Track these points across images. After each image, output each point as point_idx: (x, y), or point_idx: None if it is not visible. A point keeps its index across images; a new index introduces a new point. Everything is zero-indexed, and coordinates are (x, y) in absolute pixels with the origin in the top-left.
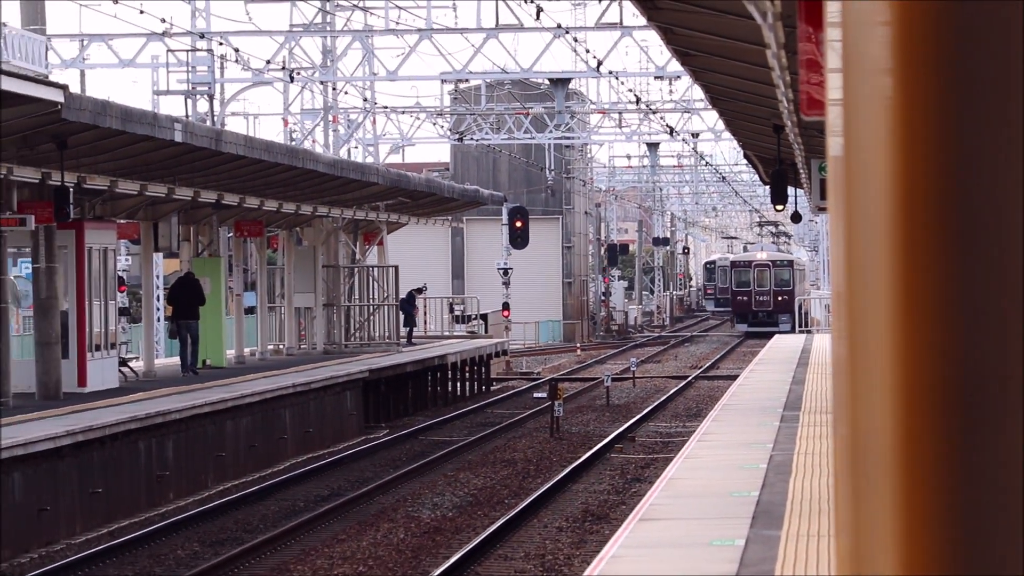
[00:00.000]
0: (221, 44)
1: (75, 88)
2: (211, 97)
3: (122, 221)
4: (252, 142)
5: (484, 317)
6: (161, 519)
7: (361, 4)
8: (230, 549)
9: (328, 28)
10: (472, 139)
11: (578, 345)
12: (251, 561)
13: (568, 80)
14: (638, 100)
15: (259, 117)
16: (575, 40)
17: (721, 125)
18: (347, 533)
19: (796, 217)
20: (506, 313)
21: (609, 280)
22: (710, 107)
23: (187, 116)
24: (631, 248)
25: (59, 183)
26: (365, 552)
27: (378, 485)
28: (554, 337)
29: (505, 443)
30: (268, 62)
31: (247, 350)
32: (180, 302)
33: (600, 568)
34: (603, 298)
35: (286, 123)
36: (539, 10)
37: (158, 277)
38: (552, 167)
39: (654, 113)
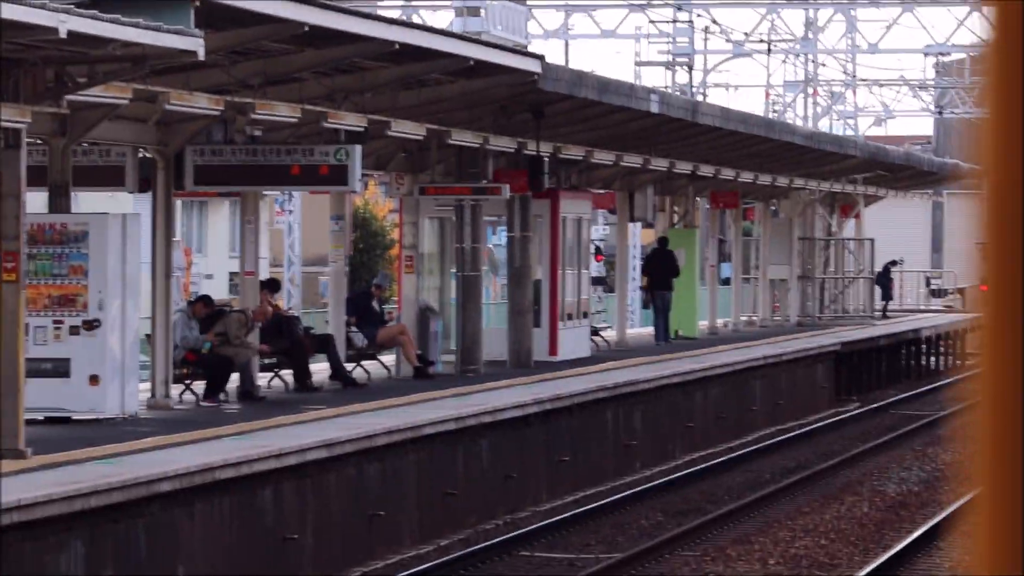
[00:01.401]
0: (700, 16)
1: (559, 58)
2: (691, 68)
3: (598, 191)
4: (728, 114)
5: (962, 291)
6: (627, 488)
7: None
8: (693, 520)
9: (810, 0)
10: (954, 112)
11: None
12: (713, 532)
13: None
14: None
15: (740, 89)
16: None
17: None
18: (811, 506)
19: None
20: (984, 287)
21: None
22: None
23: (667, 87)
24: None
25: (534, 152)
26: (828, 525)
27: (845, 458)
28: None
29: None
30: (748, 34)
31: (720, 321)
32: (655, 272)
33: None
34: None
35: (767, 95)
36: None
37: (634, 247)
38: None
39: None
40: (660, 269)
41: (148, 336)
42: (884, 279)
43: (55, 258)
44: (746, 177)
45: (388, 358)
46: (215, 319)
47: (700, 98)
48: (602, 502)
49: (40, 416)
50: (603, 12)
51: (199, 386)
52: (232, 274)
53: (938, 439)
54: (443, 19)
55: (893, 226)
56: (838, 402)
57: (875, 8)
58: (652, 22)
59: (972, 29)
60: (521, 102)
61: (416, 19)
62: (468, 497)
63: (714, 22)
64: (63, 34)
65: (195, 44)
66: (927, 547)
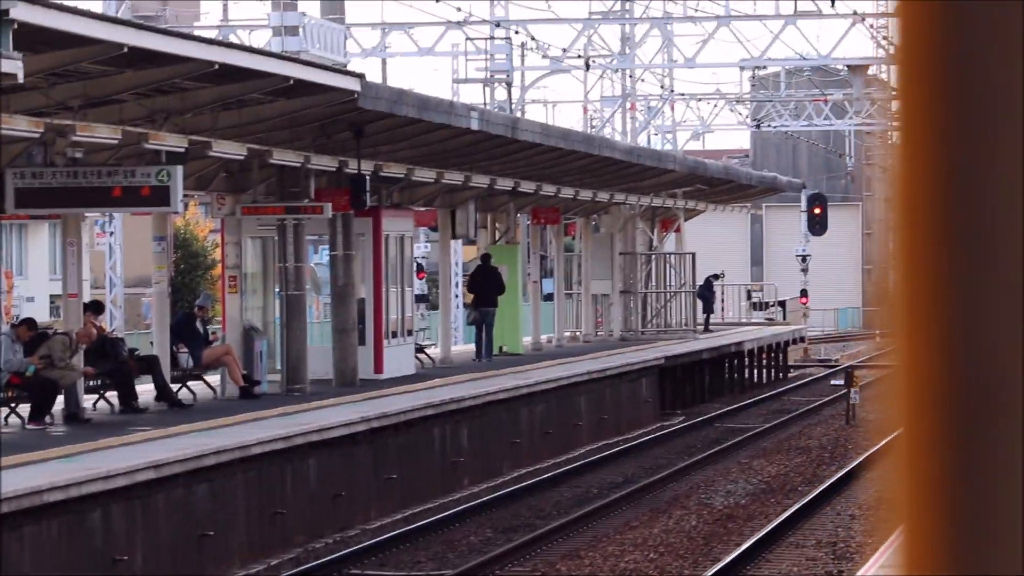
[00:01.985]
0: (518, 32)
1: (376, 76)
2: (509, 85)
3: (419, 208)
4: (548, 130)
5: (782, 304)
6: (455, 505)
7: None
8: (523, 535)
9: (626, 16)
10: (771, 126)
11: (877, 332)
12: (543, 548)
13: (867, 67)
14: None
15: (558, 105)
16: (872, 27)
17: None
18: (639, 520)
19: None
20: (804, 300)
21: None
22: None
23: (485, 104)
24: None
25: (356, 171)
26: (656, 539)
27: (672, 472)
28: (853, 324)
29: (800, 430)
30: (565, 50)
31: (544, 337)
32: (479, 289)
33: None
34: None
35: (585, 110)
36: None
37: (457, 264)
38: (852, 154)
39: None
40: (484, 285)
41: None
42: (706, 293)
43: None
44: (567, 193)
45: (214, 378)
46: (39, 342)
47: (519, 115)
48: (431, 519)
49: None
50: (420, 30)
51: (24, 409)
52: (53, 296)
53: (763, 451)
54: (261, 39)
55: (713, 239)
56: (663, 416)
57: (691, 23)
58: (469, 39)
59: (786, 43)
60: (341, 121)
61: (234, 39)
62: (297, 516)
63: (531, 39)
64: None
65: (14, 67)
66: (755, 559)
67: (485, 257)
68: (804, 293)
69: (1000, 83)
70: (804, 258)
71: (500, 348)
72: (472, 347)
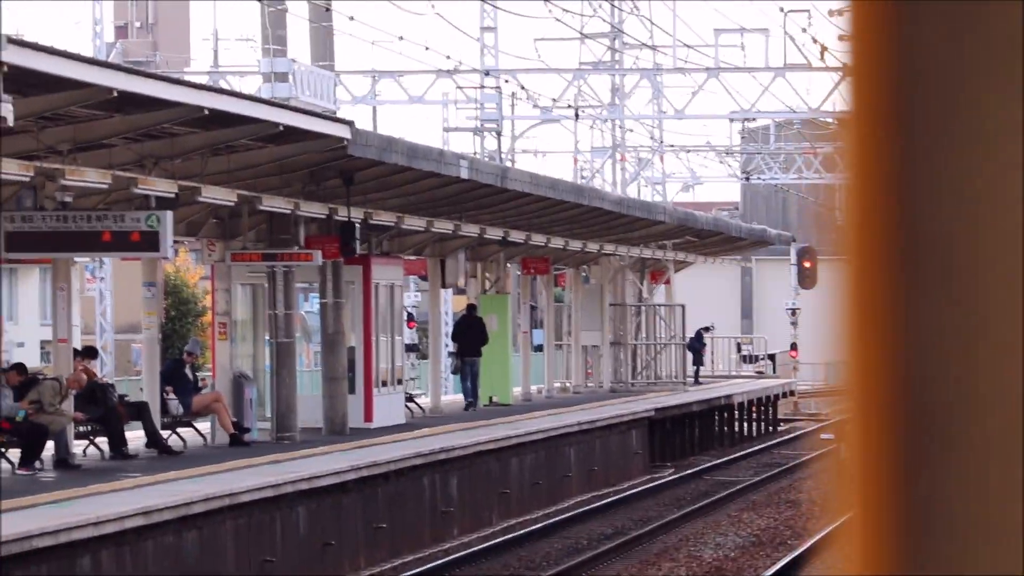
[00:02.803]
0: (508, 82)
1: (367, 124)
2: (499, 134)
3: (409, 257)
4: (537, 179)
5: (772, 357)
6: (444, 555)
7: (650, 43)
8: None
9: (616, 66)
10: (761, 178)
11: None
12: None
13: None
14: None
15: (548, 154)
16: None
17: None
18: (629, 572)
19: None
20: (794, 354)
21: None
22: None
23: (476, 153)
24: None
25: (346, 218)
26: None
27: (661, 524)
28: None
29: (790, 484)
30: (555, 100)
31: (534, 388)
32: (464, 339)
33: None
34: None
35: (575, 161)
36: (823, 49)
37: (446, 313)
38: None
39: None
40: (469, 336)
41: None
42: (696, 345)
43: None
44: (557, 243)
45: (203, 425)
46: (28, 387)
47: (509, 164)
48: (420, 569)
49: None
50: (410, 78)
51: (14, 454)
52: (44, 342)
53: (752, 504)
54: (252, 85)
55: (703, 291)
56: (652, 468)
57: (681, 75)
58: (459, 88)
59: (776, 95)
60: (331, 168)
61: (224, 85)
62: (286, 564)
63: (521, 88)
64: None
65: (4, 110)
66: None
67: (470, 308)
68: (794, 347)
69: (949, 106)
70: (794, 311)
71: (490, 398)
72: (461, 397)
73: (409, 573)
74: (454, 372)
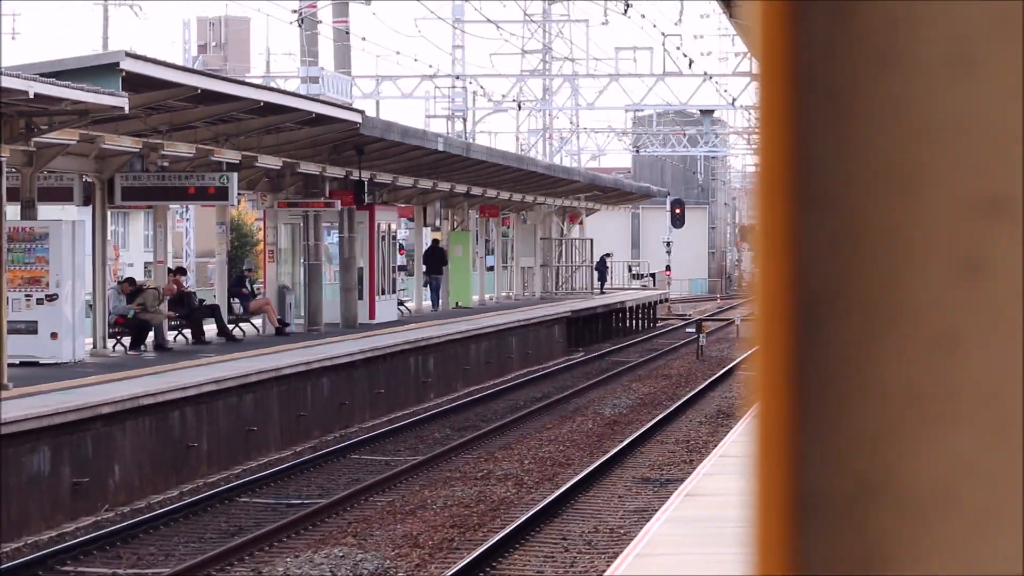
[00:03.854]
0: (471, 83)
1: (373, 113)
2: (464, 120)
3: (401, 205)
4: (492, 152)
5: (652, 275)
6: (424, 412)
7: (570, 56)
8: (471, 433)
9: (547, 73)
10: (646, 151)
11: (718, 296)
12: (485, 441)
13: (713, 111)
14: None
15: (498, 135)
16: (717, 83)
17: None
18: (552, 424)
19: None
20: (668, 272)
21: (739, 251)
22: None
23: (448, 133)
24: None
25: (357, 178)
26: (564, 437)
27: (575, 391)
28: (701, 290)
29: (664, 363)
30: (504, 96)
31: (487, 296)
32: (430, 262)
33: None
34: (736, 263)
35: (517, 139)
36: (691, 62)
37: (426, 245)
38: (702, 172)
39: None
40: (432, 260)
41: (90, 305)
42: (601, 267)
43: (26, 251)
44: (504, 196)
45: (257, 321)
46: (137, 294)
47: (471, 141)
48: (407, 421)
49: (16, 361)
50: (403, 80)
51: (127, 341)
52: (147, 263)
53: (638, 377)
54: (292, 85)
55: (605, 230)
56: (569, 352)
57: (592, 79)
58: (437, 87)
59: (658, 93)
60: (348, 143)
61: (274, 85)
62: (315, 418)
63: (481, 88)
64: (31, 95)
65: (122, 102)
66: (633, 452)
67: (434, 241)
68: (668, 268)
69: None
70: (668, 244)
71: (456, 303)
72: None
73: (399, 424)
74: (424, 285)
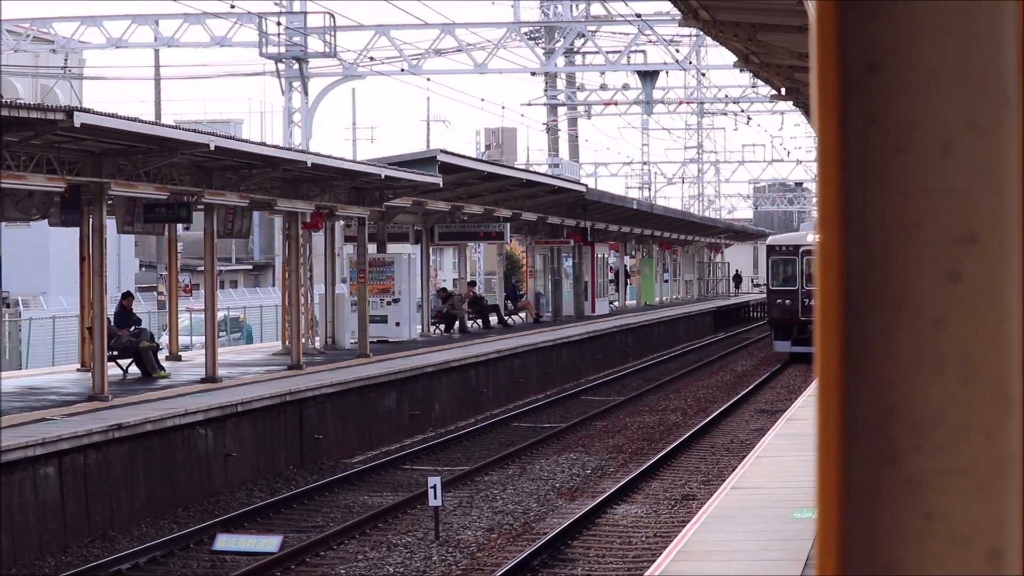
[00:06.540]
0: (653, 167)
1: (592, 185)
2: (649, 189)
3: (611, 242)
4: (667, 209)
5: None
6: (626, 370)
7: (714, 150)
8: (655, 382)
9: (700, 160)
10: (761, 208)
11: None
12: (664, 387)
13: (802, 183)
14: None
15: (670, 199)
16: (805, 166)
17: None
18: (704, 376)
19: None
20: None
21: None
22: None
23: (639, 198)
24: None
25: (583, 226)
26: (712, 384)
27: (719, 356)
28: None
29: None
30: (673, 174)
31: (664, 297)
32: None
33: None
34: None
35: (682, 201)
36: (788, 152)
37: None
38: (796, 221)
39: None
40: (626, 276)
41: (419, 306)
42: (737, 279)
43: (380, 272)
44: (674, 236)
45: (522, 315)
46: (448, 298)
47: (653, 202)
48: (616, 375)
49: (375, 339)
50: (611, 165)
51: (442, 327)
52: (454, 280)
53: (758, 347)
54: (542, 169)
55: (738, 256)
56: (715, 332)
57: (727, 163)
58: (631, 169)
59: (769, 173)
60: (577, 204)
61: (532, 169)
62: (558, 374)
63: (659, 169)
64: (383, 177)
65: (438, 180)
66: (755, 393)
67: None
68: None
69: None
70: None
71: (645, 302)
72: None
73: (610, 378)
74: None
